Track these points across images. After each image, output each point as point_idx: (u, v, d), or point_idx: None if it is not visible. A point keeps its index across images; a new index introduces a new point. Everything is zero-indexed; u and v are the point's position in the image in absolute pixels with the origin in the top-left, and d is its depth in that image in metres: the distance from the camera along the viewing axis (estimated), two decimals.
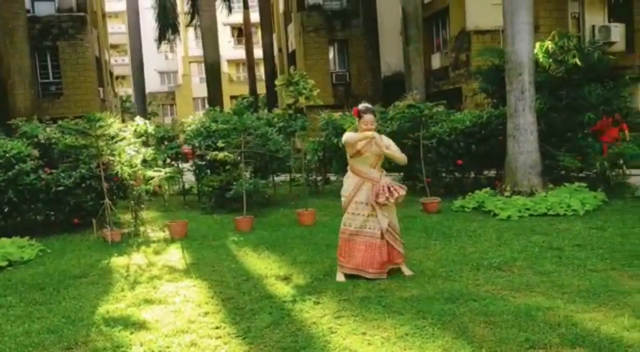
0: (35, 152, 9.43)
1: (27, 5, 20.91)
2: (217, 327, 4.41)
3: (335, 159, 11.61)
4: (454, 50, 21.48)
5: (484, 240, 6.89)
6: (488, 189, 9.63)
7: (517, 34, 9.33)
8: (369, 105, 5.63)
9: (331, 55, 26.06)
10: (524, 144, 9.32)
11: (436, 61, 23.57)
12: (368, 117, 5.42)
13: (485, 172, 11.38)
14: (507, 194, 9.11)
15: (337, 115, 13.14)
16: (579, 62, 9.77)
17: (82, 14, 24.56)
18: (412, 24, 17.05)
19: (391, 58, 23.86)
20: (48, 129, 10.26)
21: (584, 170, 10.10)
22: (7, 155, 8.96)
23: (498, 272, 5.46)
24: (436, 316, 4.32)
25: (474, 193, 9.45)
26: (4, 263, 6.95)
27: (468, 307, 4.50)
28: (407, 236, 7.32)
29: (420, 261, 6.06)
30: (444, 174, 11.10)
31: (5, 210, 9.14)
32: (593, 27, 19.54)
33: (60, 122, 10.27)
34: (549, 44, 10.37)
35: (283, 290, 5.30)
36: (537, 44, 10.13)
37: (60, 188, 8.90)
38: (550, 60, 10.25)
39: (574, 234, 6.93)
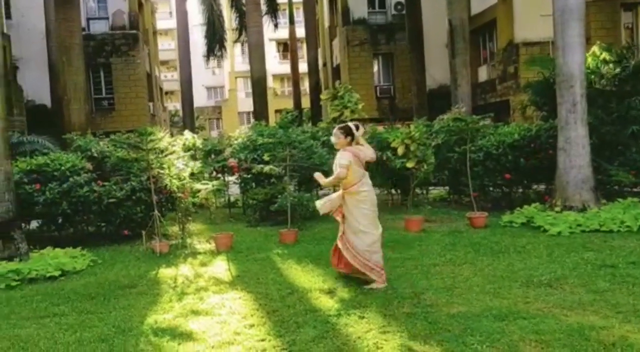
0: (89, 166, 9.75)
1: (83, 23, 21.76)
2: (262, 340, 4.43)
3: (378, 172, 11.56)
4: (501, 63, 21.16)
5: (534, 256, 6.71)
6: (537, 204, 9.39)
7: (569, 45, 9.12)
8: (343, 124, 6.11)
9: (375, 68, 26.08)
10: (576, 158, 9.06)
11: (483, 73, 23.27)
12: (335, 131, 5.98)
13: (534, 187, 11.10)
14: (557, 209, 8.86)
15: (381, 128, 13.11)
16: (620, 75, 9.51)
17: (134, 31, 25.42)
18: (458, 36, 16.89)
19: (436, 71, 23.68)
20: (101, 143, 10.60)
21: (638, 185, 9.73)
22: (62, 168, 9.30)
23: (549, 290, 5.30)
24: (484, 334, 4.22)
25: (523, 208, 9.22)
26: (57, 273, 7.17)
27: (517, 325, 4.38)
28: (453, 251, 7.24)
29: (468, 277, 5.94)
30: (491, 188, 10.89)
31: (59, 221, 9.47)
32: None
33: (112, 136, 10.60)
34: (599, 54, 10.13)
35: (327, 303, 5.29)
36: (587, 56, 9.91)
37: (112, 200, 9.15)
38: (592, 74, 10.00)
39: (628, 251, 6.67)
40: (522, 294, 5.22)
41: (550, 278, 5.66)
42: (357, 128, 5.88)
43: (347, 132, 5.84)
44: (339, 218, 5.95)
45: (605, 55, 10.10)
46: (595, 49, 10.32)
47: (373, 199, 5.93)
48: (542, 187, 10.94)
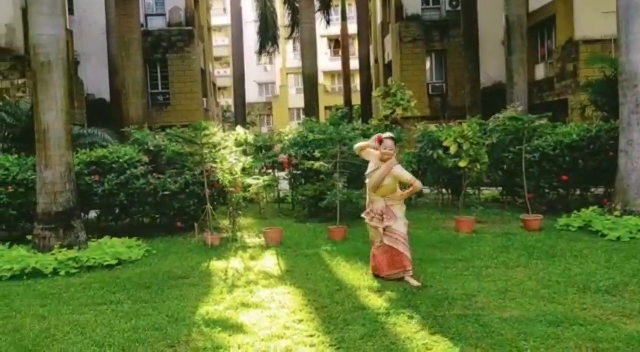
0: (145, 159, 10.03)
1: (142, 20, 22.35)
2: (311, 336, 4.45)
3: (430, 171, 11.41)
4: (560, 61, 20.50)
5: (591, 261, 6.49)
6: (596, 207, 9.07)
7: (633, 43, 8.75)
8: (391, 134, 6.14)
9: (428, 66, 25.73)
10: (638, 160, 8.70)
11: (540, 72, 22.60)
12: (388, 143, 5.93)
13: (593, 190, 10.71)
14: (617, 213, 8.53)
15: (433, 126, 12.92)
16: None
17: (190, 28, 25.93)
18: (516, 33, 16.44)
19: (491, 68, 23.16)
20: (157, 137, 10.87)
21: None
22: (121, 161, 9.60)
23: (607, 297, 5.12)
24: (539, 339, 4.12)
25: (580, 211, 8.93)
26: (114, 262, 7.42)
27: (574, 332, 4.25)
28: (506, 254, 7.08)
29: (521, 281, 5.80)
30: (547, 190, 10.57)
31: (116, 212, 9.78)
32: None
33: (168, 130, 10.86)
34: None
35: (376, 302, 5.27)
36: None
37: (167, 193, 9.39)
38: None
39: None
40: (578, 300, 5.06)
41: (608, 285, 5.46)
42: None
43: (396, 143, 6.13)
44: (379, 225, 6.07)
45: None
46: None
47: None
48: (601, 190, 10.56)
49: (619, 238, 7.58)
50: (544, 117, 10.43)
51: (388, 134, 6.10)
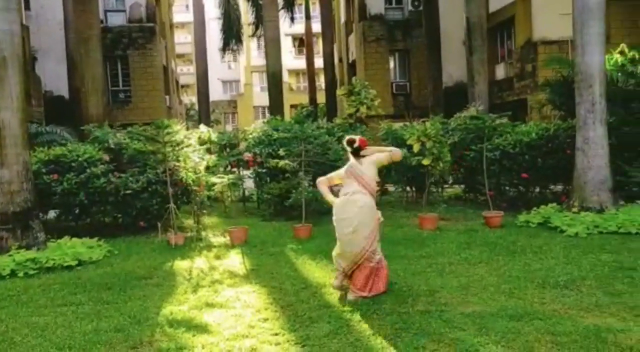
0: (106, 157, 9.84)
1: (101, 16, 21.87)
2: (276, 334, 4.45)
3: (394, 169, 11.53)
4: (519, 61, 20.96)
5: (550, 257, 6.66)
6: (554, 204, 9.31)
7: (588, 44, 9.01)
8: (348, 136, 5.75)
9: (392, 65, 25.93)
10: (594, 158, 8.96)
11: (500, 72, 23.06)
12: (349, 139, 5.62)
13: (552, 187, 10.99)
14: (575, 210, 8.78)
15: (397, 125, 13.06)
16: None
17: (151, 24, 25.49)
18: (476, 34, 16.74)
19: (453, 68, 23.53)
20: (118, 135, 10.68)
21: None
22: (80, 159, 9.39)
23: (565, 291, 5.26)
24: (500, 334, 4.20)
25: (539, 208, 9.15)
26: (74, 262, 7.26)
27: (533, 325, 4.35)
28: (468, 250, 7.20)
29: (483, 277, 5.91)
30: (507, 188, 10.81)
31: (76, 211, 9.57)
32: None
33: (129, 128, 10.68)
34: (617, 56, 10.02)
35: (340, 299, 5.29)
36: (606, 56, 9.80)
37: (128, 192, 9.23)
38: (619, 73, 9.89)
39: None
40: (538, 294, 5.19)
41: (566, 279, 5.62)
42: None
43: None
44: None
45: (634, 53, 9.94)
46: (623, 46, 10.18)
47: None
48: (559, 187, 10.85)
49: (576, 234, 7.80)
50: (503, 116, 10.67)
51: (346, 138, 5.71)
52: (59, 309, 5.40)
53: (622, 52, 10.07)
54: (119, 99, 25.27)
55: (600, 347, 3.88)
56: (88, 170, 9.23)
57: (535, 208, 9.19)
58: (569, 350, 3.87)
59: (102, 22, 21.33)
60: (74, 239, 8.24)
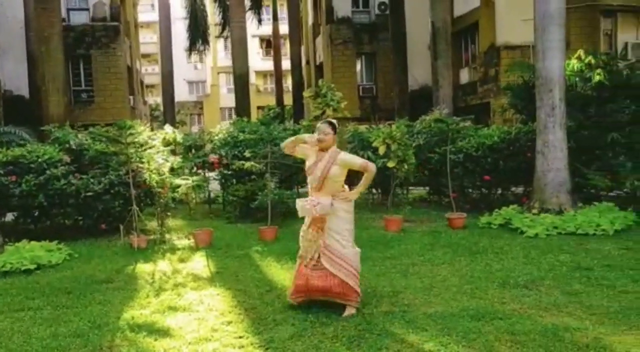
0: (67, 158, 9.62)
1: (63, 14, 21.40)
2: (240, 337, 4.42)
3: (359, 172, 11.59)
4: (482, 65, 21.36)
5: (511, 258, 6.79)
6: (515, 206, 9.50)
7: (548, 50, 9.24)
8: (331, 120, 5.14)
9: (359, 68, 26.12)
10: (553, 161, 9.19)
11: (464, 76, 23.47)
12: (322, 126, 4.94)
13: (513, 189, 11.23)
14: (534, 211, 8.98)
15: (363, 127, 13.14)
16: (604, 80, 9.67)
17: (115, 23, 25.08)
18: (441, 38, 17.01)
19: (419, 72, 23.83)
20: (79, 136, 10.45)
21: (613, 190, 9.90)
22: (39, 160, 9.16)
23: (525, 291, 5.37)
24: (461, 333, 4.27)
25: (501, 210, 9.32)
26: (33, 266, 7.06)
27: (494, 325, 4.43)
28: (432, 252, 7.29)
29: (445, 277, 5.99)
30: (470, 190, 10.99)
31: (36, 214, 9.33)
32: (626, 44, 19.26)
33: (91, 129, 10.46)
34: (575, 62, 10.30)
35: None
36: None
37: (90, 194, 9.04)
38: (577, 78, 10.17)
39: (604, 254, 6.79)
40: (498, 294, 5.28)
41: (526, 279, 5.74)
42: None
43: (335, 128, 4.96)
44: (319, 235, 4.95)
45: (590, 59, 10.24)
46: (580, 52, 10.47)
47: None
48: (520, 189, 11.07)
49: (536, 235, 7.98)
50: (467, 120, 10.86)
51: (326, 120, 5.18)
52: (16, 314, 5.25)
53: (579, 58, 10.33)
54: (81, 99, 24.79)
55: (557, 346, 3.97)
56: (48, 172, 9.01)
57: (497, 210, 9.36)
58: (528, 349, 3.95)
59: (64, 20, 20.92)
60: (33, 243, 8.02)
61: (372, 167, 4.88)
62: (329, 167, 4.84)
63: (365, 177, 4.91)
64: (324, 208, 4.81)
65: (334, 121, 5.07)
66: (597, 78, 9.82)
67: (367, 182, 4.99)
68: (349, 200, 4.98)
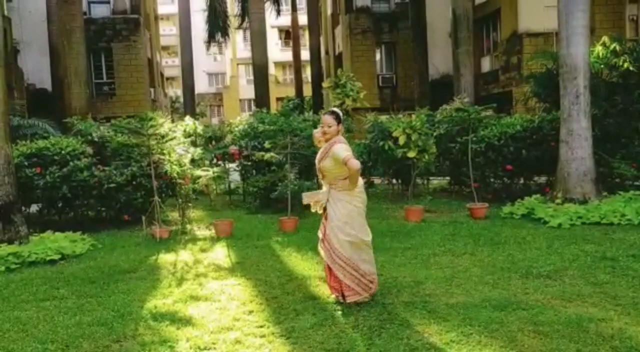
0: (89, 150, 9.74)
1: (84, 7, 21.59)
2: (261, 326, 4.43)
3: (380, 161, 11.53)
4: (505, 53, 21.06)
5: (534, 248, 6.71)
6: (538, 195, 9.39)
7: (573, 36, 9.06)
8: (333, 109, 5.14)
9: (378, 57, 25.94)
10: (578, 150, 9.04)
11: (486, 64, 23.17)
12: (325, 117, 4.95)
13: (536, 179, 11.08)
14: (558, 201, 8.85)
15: (383, 117, 13.05)
16: (631, 67, 9.45)
17: (135, 16, 25.23)
18: (462, 26, 16.78)
19: (439, 61, 23.60)
20: (102, 128, 10.57)
21: (639, 178, 9.71)
22: (63, 152, 9.29)
23: (548, 281, 5.30)
24: (483, 324, 4.23)
25: (524, 199, 9.21)
26: (57, 256, 7.18)
27: (516, 315, 4.38)
28: (453, 242, 7.23)
29: (467, 268, 5.94)
30: (492, 180, 10.87)
31: (59, 205, 9.46)
32: None
33: (113, 121, 10.58)
34: (599, 48, 10.08)
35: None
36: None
37: (112, 185, 9.14)
38: (602, 65, 9.96)
39: (629, 244, 6.67)
40: (521, 285, 5.22)
41: (549, 270, 5.66)
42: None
43: (339, 119, 4.90)
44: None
45: (616, 46, 10.01)
46: (605, 38, 10.24)
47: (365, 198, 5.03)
48: (543, 179, 10.93)
49: (559, 225, 7.86)
50: (489, 109, 10.71)
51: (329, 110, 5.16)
52: (41, 303, 5.34)
53: (604, 44, 10.11)
54: (102, 92, 25.04)
55: (582, 337, 3.92)
56: (71, 164, 9.13)
57: (519, 200, 9.25)
58: (552, 339, 3.90)
59: (85, 13, 21.07)
60: (57, 233, 8.16)
61: (352, 163, 4.58)
62: (321, 158, 4.89)
63: (349, 174, 4.72)
64: (309, 196, 5.03)
65: (337, 110, 5.04)
66: (624, 65, 9.60)
67: (353, 178, 4.73)
68: (347, 191, 4.83)
